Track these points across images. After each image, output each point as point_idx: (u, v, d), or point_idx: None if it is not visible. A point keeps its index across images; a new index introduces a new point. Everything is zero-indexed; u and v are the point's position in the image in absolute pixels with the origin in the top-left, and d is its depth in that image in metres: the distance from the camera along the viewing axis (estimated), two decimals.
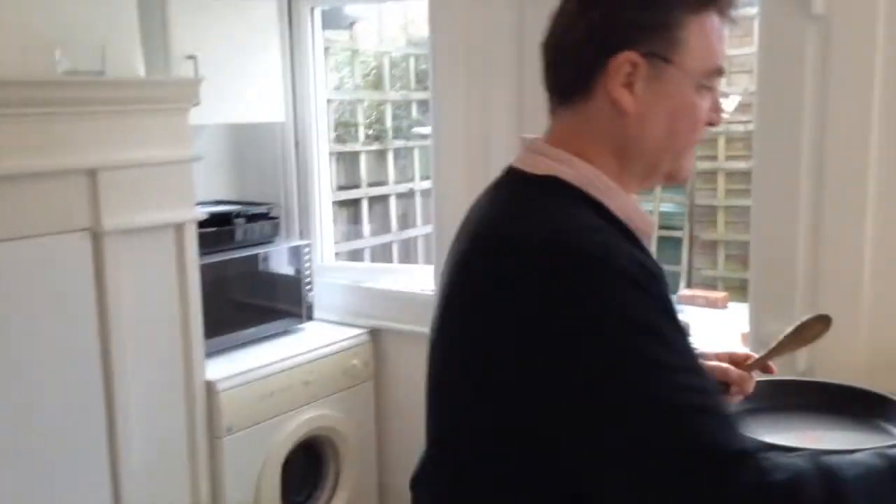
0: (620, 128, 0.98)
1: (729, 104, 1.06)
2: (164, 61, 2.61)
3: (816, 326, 1.23)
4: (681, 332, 0.90)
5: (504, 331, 0.88)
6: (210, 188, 3.10)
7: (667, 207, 5.12)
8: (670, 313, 0.90)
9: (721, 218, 5.20)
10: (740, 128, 4.76)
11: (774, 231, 2.16)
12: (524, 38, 2.56)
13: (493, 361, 0.90)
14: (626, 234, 0.95)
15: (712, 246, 5.28)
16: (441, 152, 2.80)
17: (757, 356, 1.23)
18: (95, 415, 2.28)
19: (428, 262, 3.04)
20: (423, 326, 2.88)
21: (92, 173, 2.19)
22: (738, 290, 4.24)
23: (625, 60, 0.95)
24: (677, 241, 5.00)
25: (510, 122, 2.62)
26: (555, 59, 1.03)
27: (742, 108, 3.99)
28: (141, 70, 2.42)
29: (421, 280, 3.04)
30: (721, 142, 5.17)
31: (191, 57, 2.62)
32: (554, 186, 0.97)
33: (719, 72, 0.99)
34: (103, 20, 2.30)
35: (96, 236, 2.22)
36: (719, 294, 3.40)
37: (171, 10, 2.61)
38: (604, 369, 0.84)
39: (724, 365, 1.19)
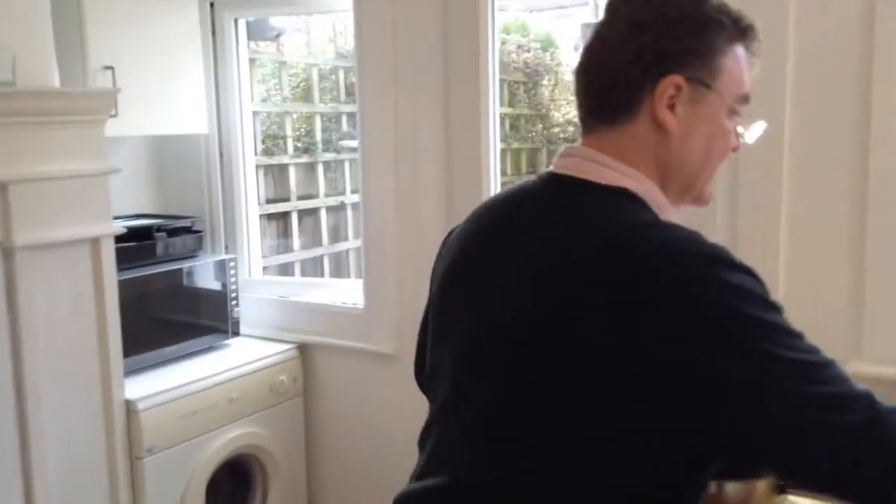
0: (663, 148, 1.04)
1: (756, 130, 1.11)
2: (81, 72, 2.54)
3: (766, 490, 1.25)
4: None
5: (660, 335, 0.86)
6: (132, 202, 3.03)
7: None
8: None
9: None
10: None
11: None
12: (450, 50, 2.57)
13: (652, 367, 0.87)
14: None
15: None
16: (369, 165, 2.79)
17: None
18: (7, 436, 2.19)
19: (359, 275, 3.01)
20: (354, 341, 2.91)
21: (2, 187, 2.12)
22: None
23: (670, 83, 1.01)
24: None
25: (437, 134, 2.63)
26: (598, 81, 1.07)
27: None
28: (56, 81, 2.34)
29: (351, 294, 3.01)
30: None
31: (108, 67, 2.56)
32: (630, 198, 1.01)
33: (746, 98, 1.07)
34: (15, 29, 2.22)
35: (7, 252, 2.15)
36: None
37: (87, 19, 2.55)
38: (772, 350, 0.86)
39: None
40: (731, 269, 0.89)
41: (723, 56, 1.03)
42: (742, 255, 0.91)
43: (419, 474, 1.09)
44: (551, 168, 1.10)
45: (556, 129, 6.23)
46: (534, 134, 6.22)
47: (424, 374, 1.26)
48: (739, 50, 1.05)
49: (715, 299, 0.87)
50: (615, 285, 0.89)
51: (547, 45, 6.34)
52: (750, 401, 0.85)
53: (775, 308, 0.89)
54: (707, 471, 0.98)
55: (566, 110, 6.27)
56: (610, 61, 1.05)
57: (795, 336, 0.88)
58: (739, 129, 1.08)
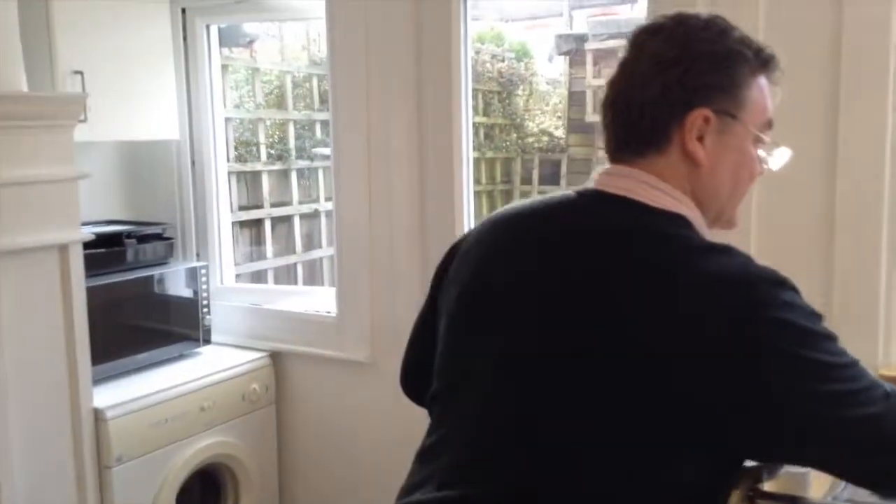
0: (695, 178, 1.07)
1: (781, 156, 1.14)
2: (50, 76, 2.51)
3: None
4: None
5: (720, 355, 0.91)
6: (102, 208, 3.00)
7: None
8: None
9: None
10: None
11: None
12: (423, 58, 2.57)
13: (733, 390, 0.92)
14: None
15: None
16: (342, 173, 2.78)
17: None
18: None
19: (333, 283, 2.99)
20: (326, 349, 2.90)
21: None
22: None
23: (699, 116, 1.05)
24: None
25: (410, 142, 2.63)
26: (625, 116, 1.09)
27: None
28: (23, 85, 2.31)
29: (324, 301, 2.99)
30: None
31: (77, 72, 2.54)
32: (687, 224, 1.05)
33: (769, 125, 1.11)
34: None
35: None
36: None
37: (56, 23, 2.52)
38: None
39: None
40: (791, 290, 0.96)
41: (747, 88, 1.07)
42: None
43: (439, 485, 1.05)
44: (593, 185, 1.10)
45: (531, 139, 6.26)
46: (508, 143, 6.24)
47: (415, 382, 1.26)
48: (762, 80, 1.09)
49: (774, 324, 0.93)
50: (694, 315, 0.93)
51: (521, 55, 6.37)
52: (804, 405, 0.91)
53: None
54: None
55: (540, 120, 6.30)
56: (636, 97, 1.08)
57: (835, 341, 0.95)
58: (762, 154, 1.11)
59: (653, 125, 1.06)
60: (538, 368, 1.00)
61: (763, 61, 1.09)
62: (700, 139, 1.05)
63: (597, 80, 5.50)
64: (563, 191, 1.14)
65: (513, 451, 1.00)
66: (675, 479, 0.95)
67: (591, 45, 5.55)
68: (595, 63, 5.50)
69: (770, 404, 0.91)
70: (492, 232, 1.17)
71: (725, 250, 0.99)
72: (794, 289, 0.96)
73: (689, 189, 1.07)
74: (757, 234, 1.99)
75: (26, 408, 2.25)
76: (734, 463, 1.00)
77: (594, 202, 1.09)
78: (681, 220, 1.05)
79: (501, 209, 1.20)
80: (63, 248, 2.31)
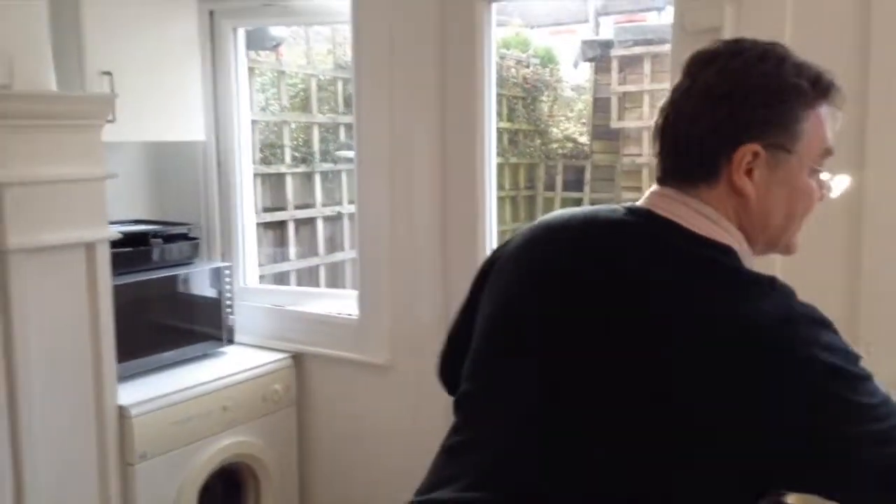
0: (743, 210, 1.06)
1: (840, 184, 1.13)
2: (79, 77, 2.55)
3: None
4: None
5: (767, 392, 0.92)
6: (129, 207, 3.03)
7: None
8: None
9: None
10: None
11: None
12: (448, 63, 2.58)
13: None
14: None
15: None
16: (365, 176, 2.79)
17: None
18: None
19: (355, 286, 3.00)
20: (348, 351, 2.90)
21: None
22: None
23: (748, 151, 1.03)
24: None
25: (433, 147, 2.64)
26: (675, 146, 1.10)
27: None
28: (53, 84, 2.35)
29: (347, 304, 3.01)
30: (645, 174, 5.27)
31: (106, 73, 2.57)
32: (733, 255, 1.04)
33: (829, 152, 1.09)
34: (12, 33, 2.22)
35: (0, 254, 2.14)
36: None
37: (86, 25, 2.55)
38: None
39: None
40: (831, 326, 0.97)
41: (803, 120, 1.05)
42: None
43: (466, 486, 1.05)
44: (647, 205, 1.10)
45: (555, 145, 6.25)
46: (532, 149, 6.24)
47: (450, 377, 1.28)
48: (822, 109, 1.07)
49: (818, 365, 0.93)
50: (731, 349, 0.93)
51: (546, 60, 6.36)
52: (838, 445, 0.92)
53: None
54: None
55: (564, 126, 6.29)
56: (686, 129, 1.08)
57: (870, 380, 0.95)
58: (824, 180, 1.10)
59: (701, 160, 1.06)
60: (574, 393, 1.01)
61: (822, 91, 1.07)
62: (749, 173, 1.04)
63: (622, 87, 5.49)
64: (611, 205, 1.14)
65: (535, 462, 1.01)
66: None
67: (616, 52, 5.54)
68: (620, 69, 5.49)
69: (811, 446, 0.92)
70: (531, 243, 1.16)
71: (769, 284, 0.99)
72: (833, 329, 0.96)
73: (737, 219, 1.07)
74: None
75: (52, 403, 2.27)
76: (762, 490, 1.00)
77: (647, 225, 1.07)
78: (727, 251, 1.04)
79: (548, 217, 1.19)
80: (90, 247, 2.33)
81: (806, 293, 1.00)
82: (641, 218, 1.08)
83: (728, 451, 0.92)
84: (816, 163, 1.08)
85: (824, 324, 0.96)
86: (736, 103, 1.04)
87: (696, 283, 0.99)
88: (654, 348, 0.96)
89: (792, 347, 0.92)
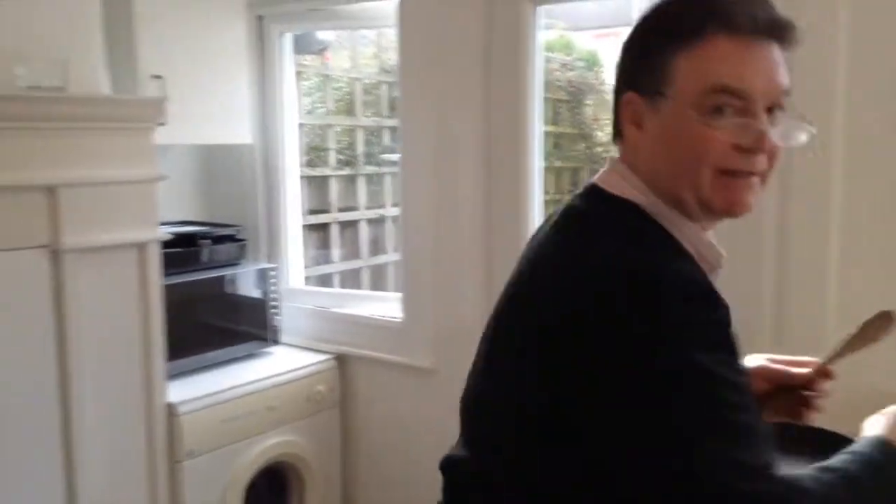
0: (643, 162, 1.04)
1: (791, 131, 1.02)
2: (131, 80, 2.60)
3: (879, 323, 1.17)
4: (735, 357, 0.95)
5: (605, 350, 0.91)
6: (178, 208, 3.08)
7: None
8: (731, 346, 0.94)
9: None
10: None
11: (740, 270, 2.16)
12: (493, 67, 2.58)
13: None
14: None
15: None
16: (408, 179, 2.80)
17: (820, 361, 1.20)
18: (51, 435, 2.23)
19: (398, 289, 3.02)
20: (391, 354, 2.92)
21: (52, 190, 2.16)
22: None
23: (626, 101, 1.05)
24: None
25: (478, 150, 2.63)
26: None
27: None
28: (106, 87, 2.40)
29: (390, 307, 3.02)
30: None
31: (157, 76, 2.61)
32: (632, 210, 1.03)
33: (721, 90, 0.98)
34: (66, 36, 2.28)
35: (55, 254, 2.19)
36: None
37: (138, 29, 2.61)
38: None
39: (789, 369, 1.21)
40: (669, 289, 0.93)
41: (675, 60, 0.99)
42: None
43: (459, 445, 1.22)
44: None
45: (599, 149, 6.21)
46: (576, 153, 6.21)
47: None
48: (707, 46, 0.98)
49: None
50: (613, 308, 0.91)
51: (591, 63, 6.33)
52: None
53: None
54: None
55: (610, 130, 6.24)
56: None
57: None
58: (742, 124, 0.98)
59: (613, 112, 1.10)
60: (489, 367, 1.08)
61: (702, 22, 0.98)
62: (637, 123, 1.04)
63: None
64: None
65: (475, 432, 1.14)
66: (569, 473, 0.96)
67: None
68: None
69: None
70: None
71: (630, 235, 0.98)
72: (657, 288, 0.91)
73: (647, 174, 1.04)
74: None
75: (103, 399, 2.32)
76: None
77: (582, 193, 1.10)
78: (630, 207, 1.03)
79: None
80: (142, 247, 2.38)
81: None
82: (583, 190, 1.10)
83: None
84: (703, 103, 0.98)
85: (651, 283, 0.91)
86: (621, 54, 1.07)
87: (560, 237, 1.03)
88: (529, 312, 1.00)
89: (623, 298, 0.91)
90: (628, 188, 1.04)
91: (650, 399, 0.88)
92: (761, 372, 1.21)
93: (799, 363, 1.22)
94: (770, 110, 1.00)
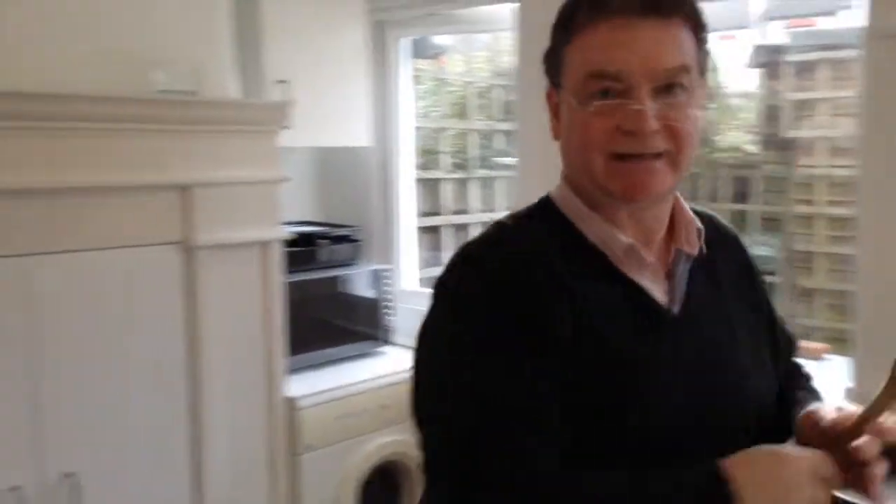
0: (562, 155, 1.07)
1: (675, 109, 0.96)
2: (258, 85, 2.69)
3: None
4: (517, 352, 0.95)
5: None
6: (296, 208, 3.16)
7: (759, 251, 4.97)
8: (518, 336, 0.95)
9: (819, 265, 5.00)
10: (842, 172, 4.59)
11: (883, 279, 2.06)
12: None
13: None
14: (600, 259, 1.02)
15: (807, 294, 5.08)
16: (524, 183, 2.79)
17: (858, 415, 0.99)
18: (180, 424, 2.33)
19: None
20: None
21: (185, 189, 2.26)
22: (833, 340, 4.04)
23: (546, 94, 1.08)
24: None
25: None
26: None
27: (841, 152, 3.87)
28: (234, 91, 2.49)
29: None
30: (820, 186, 5.00)
31: (282, 81, 2.69)
32: (545, 203, 1.09)
33: (597, 75, 0.96)
34: (198, 42, 2.38)
35: (188, 250, 2.29)
36: (819, 345, 3.22)
37: (265, 35, 2.70)
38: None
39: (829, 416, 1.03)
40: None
41: (565, 54, 1.01)
42: None
43: None
44: None
45: (723, 154, 6.04)
46: (695, 158, 6.06)
47: None
48: (587, 36, 0.98)
49: None
50: None
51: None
52: None
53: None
54: None
55: (732, 134, 6.06)
56: None
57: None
58: (620, 106, 0.95)
59: None
60: None
61: (585, 11, 0.98)
62: (556, 115, 1.06)
63: (797, 94, 5.23)
64: None
65: None
66: None
67: (791, 57, 5.30)
68: (795, 76, 5.24)
69: None
70: None
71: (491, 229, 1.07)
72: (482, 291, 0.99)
73: (564, 166, 1.08)
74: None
75: (228, 392, 2.40)
76: None
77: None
78: (542, 202, 1.09)
79: None
80: (265, 245, 2.45)
81: None
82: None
83: None
84: (581, 90, 0.97)
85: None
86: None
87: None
88: None
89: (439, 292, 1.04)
90: (559, 182, 1.09)
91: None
92: (808, 419, 1.06)
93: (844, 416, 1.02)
94: (669, 88, 0.96)
